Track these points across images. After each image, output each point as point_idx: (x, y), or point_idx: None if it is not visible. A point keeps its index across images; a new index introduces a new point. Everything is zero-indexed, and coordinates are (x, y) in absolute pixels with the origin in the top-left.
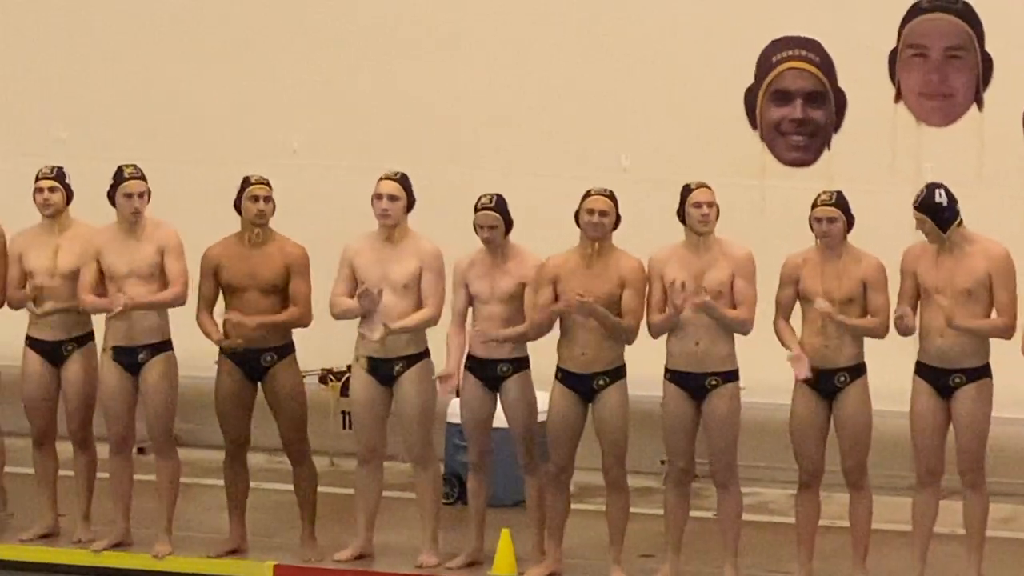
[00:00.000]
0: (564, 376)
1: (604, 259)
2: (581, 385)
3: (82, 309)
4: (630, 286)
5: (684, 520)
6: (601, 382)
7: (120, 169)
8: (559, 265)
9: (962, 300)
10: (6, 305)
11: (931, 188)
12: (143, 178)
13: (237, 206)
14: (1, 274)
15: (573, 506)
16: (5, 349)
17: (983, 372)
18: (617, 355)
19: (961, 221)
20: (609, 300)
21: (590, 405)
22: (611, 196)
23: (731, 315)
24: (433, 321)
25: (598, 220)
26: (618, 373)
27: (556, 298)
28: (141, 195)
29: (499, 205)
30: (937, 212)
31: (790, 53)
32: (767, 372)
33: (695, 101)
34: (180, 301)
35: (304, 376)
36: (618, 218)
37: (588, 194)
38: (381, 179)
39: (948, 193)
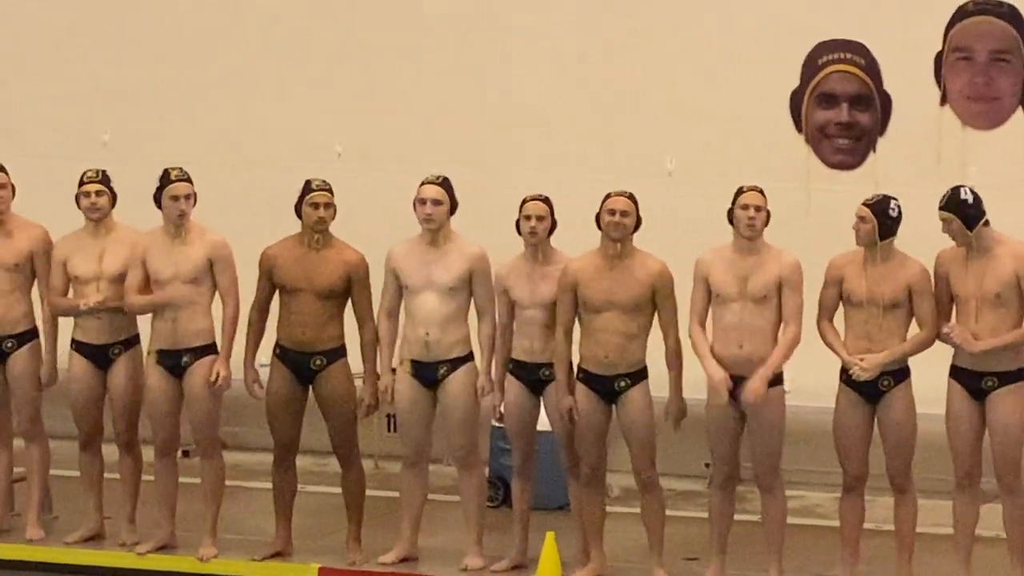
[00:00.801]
0: (586, 377)
1: (627, 261)
2: (603, 386)
3: (128, 310)
4: (661, 294)
5: (729, 523)
6: (623, 383)
7: (166, 172)
8: (580, 269)
9: (991, 304)
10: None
11: (956, 188)
12: (189, 181)
13: (298, 210)
14: (46, 280)
15: (618, 509)
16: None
17: (1017, 376)
18: (639, 357)
19: (987, 221)
20: (633, 303)
21: (614, 406)
22: (631, 197)
23: (781, 356)
24: (493, 329)
25: (619, 220)
26: (640, 375)
27: (577, 303)
28: (187, 197)
29: (548, 200)
30: (962, 208)
31: (836, 56)
32: (811, 375)
33: (741, 104)
34: (234, 316)
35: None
36: (639, 219)
37: (608, 195)
38: (423, 183)
39: (973, 192)
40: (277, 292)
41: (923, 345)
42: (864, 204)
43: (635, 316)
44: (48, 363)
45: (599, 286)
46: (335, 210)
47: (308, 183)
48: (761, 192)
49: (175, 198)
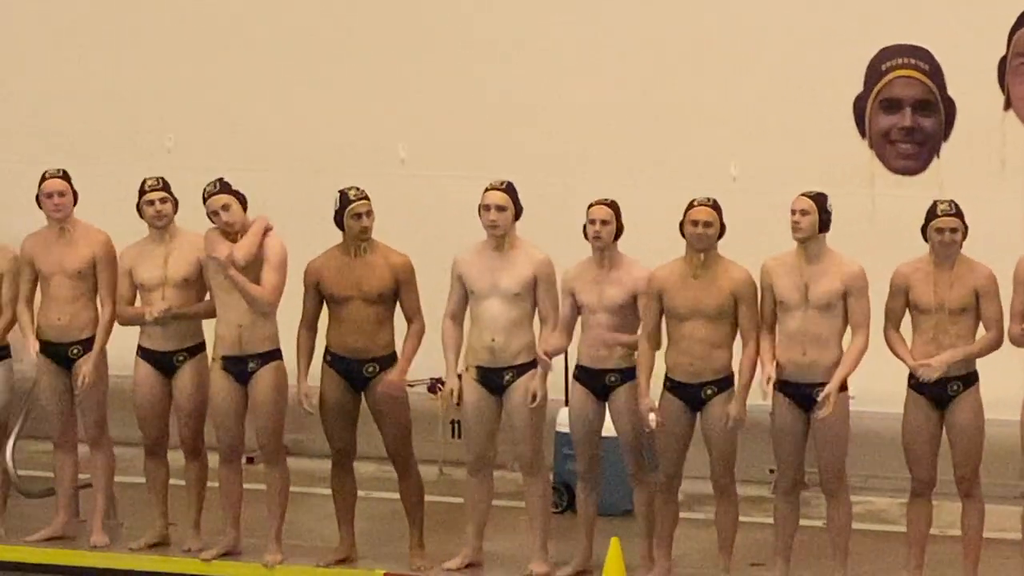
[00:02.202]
0: (672, 385)
1: (711, 270)
2: (689, 394)
3: (192, 313)
4: (743, 302)
5: (794, 529)
6: (709, 391)
7: (204, 190)
8: (665, 278)
9: None
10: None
11: None
12: (222, 191)
13: (338, 222)
14: (112, 289)
15: (682, 515)
16: (117, 359)
17: None
18: (724, 365)
19: None
20: (718, 311)
21: (697, 414)
22: (715, 206)
23: (850, 366)
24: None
25: (702, 231)
26: (726, 382)
27: (662, 311)
28: (226, 208)
29: (614, 204)
30: None
31: (899, 61)
32: (876, 381)
33: (804, 110)
34: (263, 302)
35: (413, 385)
36: (723, 228)
37: (691, 205)
38: (487, 189)
39: None
40: (325, 304)
41: (990, 347)
42: (950, 215)
43: (720, 324)
44: (95, 361)
45: (684, 294)
46: (374, 213)
47: (344, 194)
48: (807, 196)
49: (215, 213)
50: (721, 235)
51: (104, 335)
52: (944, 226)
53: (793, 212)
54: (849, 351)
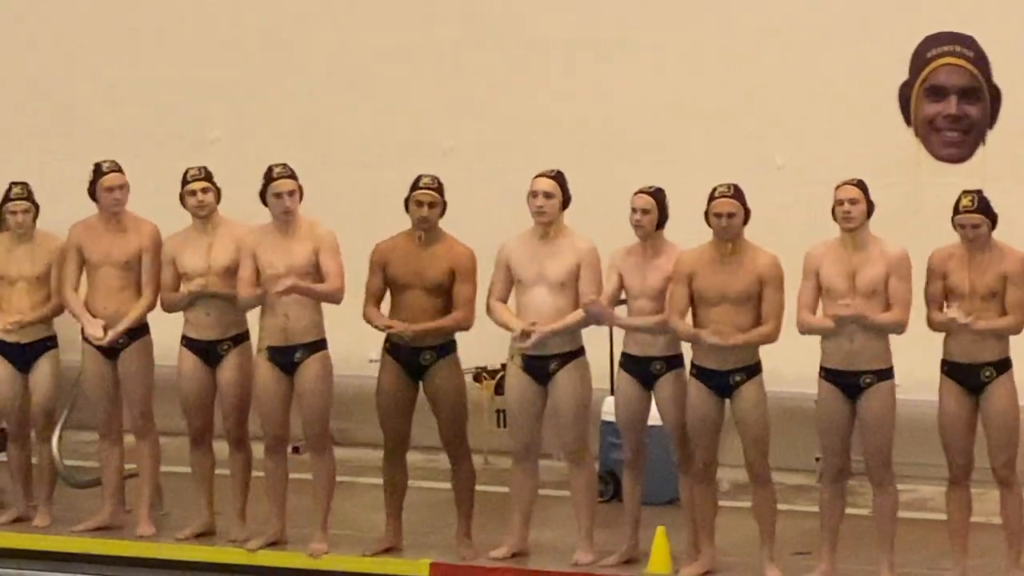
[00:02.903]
0: (700, 372)
1: (739, 256)
2: (717, 381)
3: (243, 304)
4: (769, 284)
5: (840, 518)
6: (737, 378)
7: (269, 169)
8: (695, 261)
9: None
10: (160, 308)
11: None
12: (292, 176)
13: (407, 204)
14: (158, 276)
15: (728, 504)
16: (162, 349)
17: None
18: (753, 351)
19: None
20: (746, 296)
21: (728, 401)
22: (735, 195)
23: (884, 319)
24: (586, 322)
25: (726, 224)
26: (754, 369)
27: (692, 296)
28: (291, 193)
29: (657, 193)
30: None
31: (945, 49)
32: (922, 368)
33: (849, 98)
34: (338, 297)
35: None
36: (747, 213)
37: (713, 196)
38: (536, 176)
39: None
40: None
41: (1008, 328)
42: (971, 212)
43: (747, 309)
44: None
45: (713, 279)
46: (443, 209)
47: (417, 179)
48: (854, 185)
49: (278, 195)
50: (747, 220)
51: (137, 315)
52: (966, 222)
53: (842, 202)
54: (884, 316)
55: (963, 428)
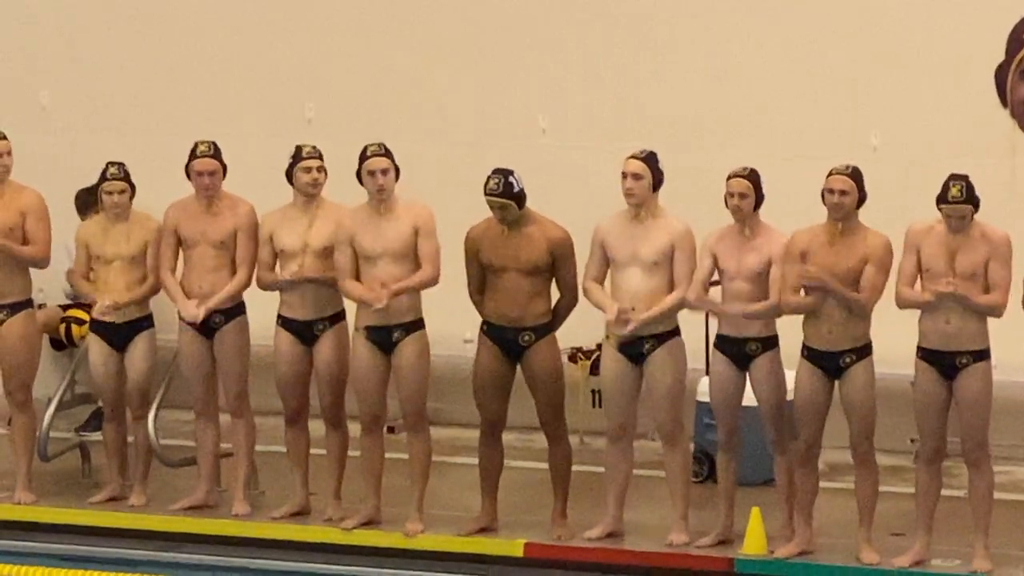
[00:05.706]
0: (810, 353)
1: (849, 237)
2: (828, 362)
3: (343, 293)
4: (872, 262)
5: (935, 499)
6: (848, 359)
7: (364, 148)
8: (808, 240)
9: None
10: (256, 285)
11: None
12: (387, 155)
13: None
14: (253, 255)
15: (823, 484)
16: (258, 328)
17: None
18: (863, 332)
19: None
20: (851, 276)
21: (836, 382)
22: (853, 175)
23: (983, 301)
24: (682, 304)
25: (838, 200)
26: (865, 350)
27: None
28: (384, 171)
29: (752, 176)
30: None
31: None
32: (1020, 350)
33: (945, 79)
34: (432, 282)
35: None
36: (862, 196)
37: (830, 173)
38: (628, 158)
39: None
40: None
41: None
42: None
43: (855, 290)
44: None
45: (823, 261)
46: (522, 201)
47: (489, 178)
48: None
49: (371, 173)
50: (860, 204)
51: (231, 291)
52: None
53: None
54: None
55: None
